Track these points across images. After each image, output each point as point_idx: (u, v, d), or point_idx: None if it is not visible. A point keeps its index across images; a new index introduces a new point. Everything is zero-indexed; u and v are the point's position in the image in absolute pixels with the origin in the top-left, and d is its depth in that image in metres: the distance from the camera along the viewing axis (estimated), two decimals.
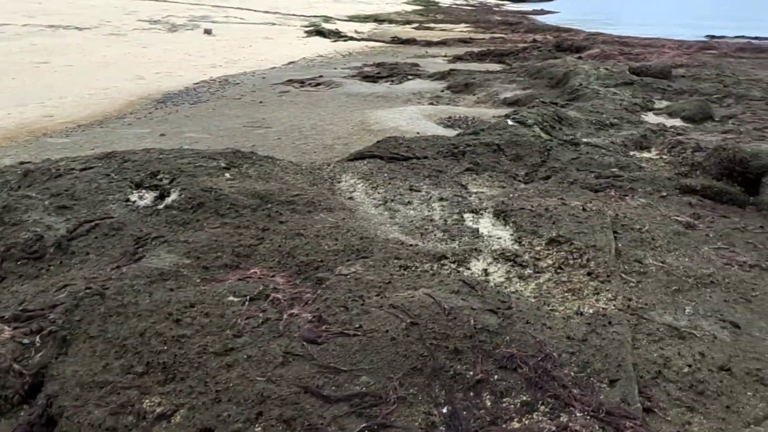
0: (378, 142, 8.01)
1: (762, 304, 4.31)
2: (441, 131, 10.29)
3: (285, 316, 4.09)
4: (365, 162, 7.21)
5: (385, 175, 6.70)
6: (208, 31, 23.20)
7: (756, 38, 25.60)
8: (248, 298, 4.27)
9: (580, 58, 17.23)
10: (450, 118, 11.48)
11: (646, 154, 7.81)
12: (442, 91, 14.43)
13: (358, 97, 14.36)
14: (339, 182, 6.52)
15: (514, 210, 5.59)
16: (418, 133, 10.09)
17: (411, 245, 5.11)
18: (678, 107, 10.10)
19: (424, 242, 5.23)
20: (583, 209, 5.45)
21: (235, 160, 6.67)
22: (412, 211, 5.84)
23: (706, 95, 10.98)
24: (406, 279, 4.45)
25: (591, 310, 4.17)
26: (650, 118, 9.94)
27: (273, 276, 4.69)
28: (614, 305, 4.22)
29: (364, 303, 4.10)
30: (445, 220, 5.60)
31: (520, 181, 6.77)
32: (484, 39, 26.51)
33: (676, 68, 14.01)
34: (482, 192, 6.42)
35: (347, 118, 11.71)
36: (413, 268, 4.64)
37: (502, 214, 5.62)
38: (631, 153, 7.81)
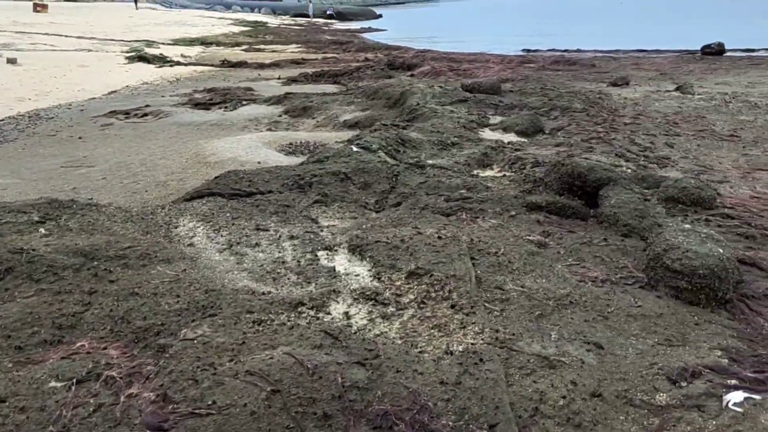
0: (216, 177, 7.46)
1: (618, 320, 4.36)
2: (283, 159, 9.88)
3: (122, 399, 3.50)
4: (204, 201, 6.64)
5: (228, 214, 6.18)
6: (12, 61, 20.92)
7: (566, 51, 27.83)
8: (75, 380, 3.63)
9: (412, 75, 17.62)
10: (291, 144, 11.11)
11: (489, 173, 7.93)
12: (280, 115, 14.01)
13: (190, 126, 13.54)
14: (176, 227, 5.91)
15: (370, 243, 5.33)
16: (259, 162, 9.60)
17: (263, 294, 4.67)
18: (511, 122, 10.48)
19: (277, 288, 4.81)
20: (439, 237, 5.31)
21: (51, 211, 5.83)
22: (261, 254, 5.39)
23: (534, 108, 11.54)
24: (262, 336, 4.01)
25: (460, 347, 3.98)
26: (487, 134, 10.22)
27: (105, 348, 4.04)
28: (482, 339, 4.07)
29: (216, 372, 3.60)
30: (299, 261, 5.21)
31: (371, 209, 6.55)
32: (316, 59, 26.43)
33: (504, 83, 14.69)
34: (334, 225, 6.11)
35: (180, 151, 10.94)
36: (268, 322, 4.21)
37: (357, 249, 5.34)
38: (476, 172, 7.90)
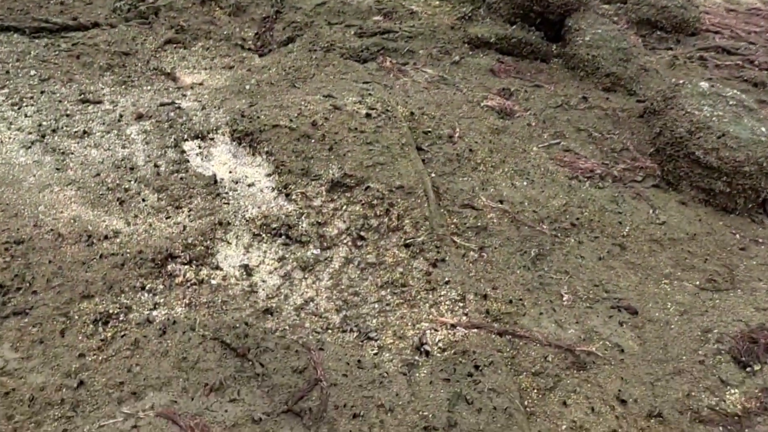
0: None
1: (640, 251, 3.13)
2: None
3: None
4: None
5: (32, 72, 4.00)
6: None
7: None
8: None
9: None
10: None
11: None
12: None
13: None
14: None
15: (265, 128, 3.53)
16: None
17: (107, 238, 2.90)
18: None
19: (129, 222, 3.03)
20: (368, 114, 3.59)
21: None
22: (94, 151, 3.45)
23: None
24: (110, 367, 2.37)
25: (438, 338, 2.58)
26: None
27: None
28: (467, 316, 2.67)
29: None
30: (156, 165, 3.37)
31: (251, 51, 4.56)
32: None
33: None
34: (201, 84, 4.14)
35: None
36: (121, 323, 2.54)
37: (246, 138, 3.54)
38: None
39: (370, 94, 3.86)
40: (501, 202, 3.20)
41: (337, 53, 4.45)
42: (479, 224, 3.08)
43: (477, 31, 4.58)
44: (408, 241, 2.99)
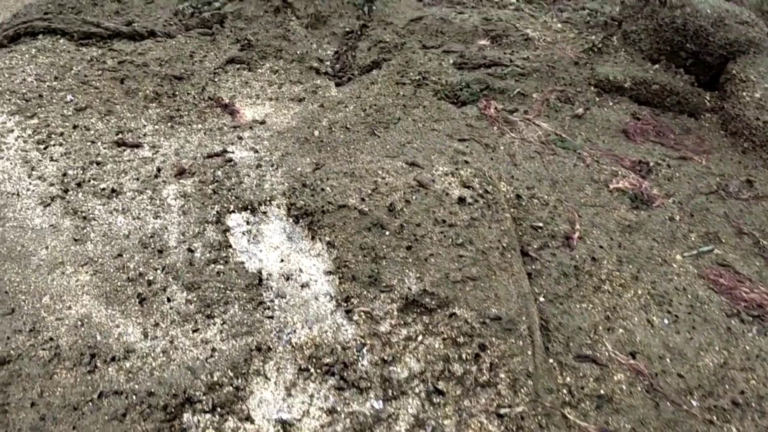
0: None
1: None
2: None
3: None
4: (32, 47, 3.73)
5: (70, 98, 3.37)
6: None
7: None
8: None
9: None
10: None
11: None
12: None
13: None
14: None
15: (330, 207, 2.78)
16: None
17: (115, 354, 2.27)
18: None
19: (146, 334, 2.39)
20: (460, 199, 2.77)
21: None
22: (121, 218, 2.81)
23: None
24: None
25: None
26: None
27: None
28: None
29: None
30: (191, 247, 2.68)
31: (328, 76, 3.78)
32: None
33: None
34: (263, 122, 3.42)
35: None
36: None
37: (306, 218, 2.80)
38: None
39: (466, 162, 3.03)
40: (633, 355, 2.35)
41: (430, 89, 3.61)
42: (602, 391, 2.25)
43: (608, 71, 3.62)
44: (502, 410, 2.20)
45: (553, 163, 3.17)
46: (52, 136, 3.14)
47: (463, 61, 3.77)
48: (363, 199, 2.79)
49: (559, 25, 4.01)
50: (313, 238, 2.76)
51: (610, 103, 3.57)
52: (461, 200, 2.78)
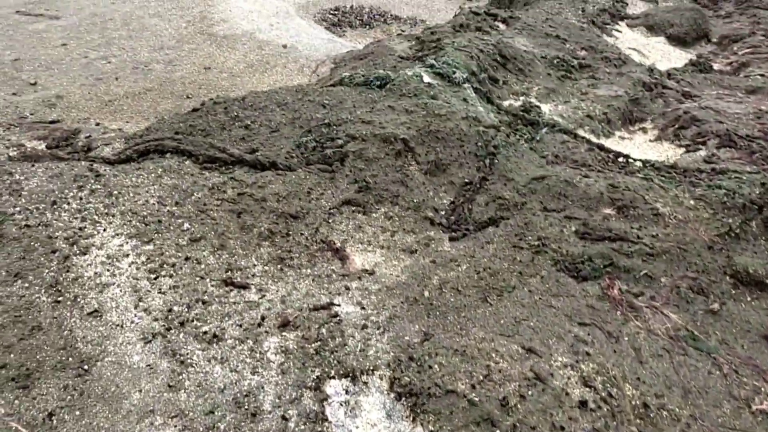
0: (196, 110, 4.55)
1: None
2: (319, 42, 6.75)
3: None
4: (158, 166, 3.83)
5: (187, 226, 3.39)
6: None
7: None
8: None
9: None
10: (337, 10, 7.85)
11: (640, 137, 4.82)
12: None
13: None
14: (86, 250, 3.17)
15: (437, 391, 2.57)
16: (284, 47, 6.54)
17: None
18: (661, 18, 6.98)
19: None
20: (582, 403, 2.51)
21: None
22: (218, 368, 2.70)
23: None
24: None
25: None
26: (624, 36, 6.78)
27: None
28: None
29: None
30: (285, 415, 2.52)
31: (442, 227, 3.67)
32: None
33: None
34: (372, 272, 3.30)
35: (183, 3, 7.80)
36: None
37: (409, 398, 2.59)
38: (617, 135, 4.78)
39: (587, 354, 2.77)
40: None
41: (549, 258, 3.41)
42: None
43: (747, 262, 3.33)
44: None
45: (685, 366, 2.86)
46: (164, 266, 3.13)
47: (587, 230, 3.57)
48: (473, 386, 2.56)
49: (692, 202, 3.78)
50: (414, 420, 2.54)
51: (749, 300, 3.25)
52: (582, 404, 2.51)
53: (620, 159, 4.35)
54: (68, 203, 3.47)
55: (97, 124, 5.26)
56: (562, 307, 3.09)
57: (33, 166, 3.83)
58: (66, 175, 3.73)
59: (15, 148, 4.60)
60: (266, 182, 3.71)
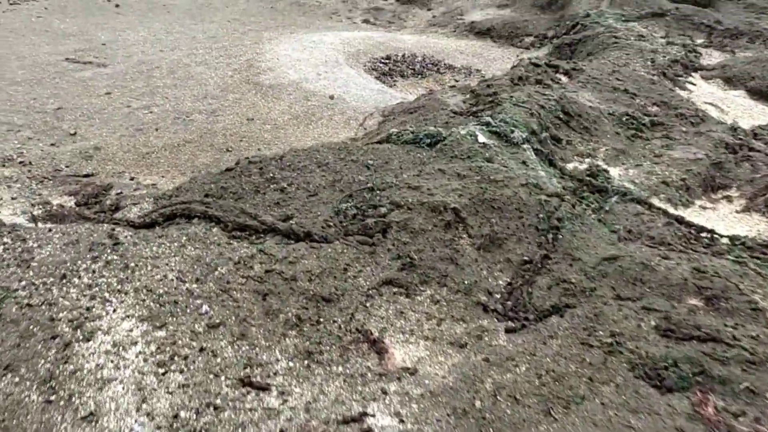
0: (230, 169, 4.21)
1: None
2: (369, 92, 6.42)
3: None
4: (182, 233, 3.47)
5: (206, 308, 2.99)
6: None
7: None
8: None
9: None
10: (389, 59, 7.55)
11: (724, 207, 4.25)
12: None
13: (263, 3, 10.02)
14: (91, 335, 2.80)
15: None
16: (331, 98, 6.23)
17: None
18: (740, 70, 6.42)
19: None
20: None
21: None
22: None
23: None
24: None
25: None
26: (699, 89, 6.22)
27: None
28: None
29: None
30: None
31: (497, 315, 3.17)
32: None
33: None
34: (414, 371, 2.82)
35: (231, 51, 7.62)
36: None
37: None
38: (698, 204, 4.23)
39: None
40: None
41: (625, 360, 2.87)
42: None
43: None
44: None
45: None
46: (176, 358, 2.72)
47: (669, 326, 3.02)
48: None
49: None
50: None
51: None
52: None
53: (704, 235, 3.78)
54: (79, 277, 3.13)
55: (132, 179, 5.00)
56: (644, 429, 2.54)
57: (50, 231, 3.52)
58: (82, 243, 3.40)
59: (41, 207, 4.34)
60: (298, 257, 3.30)
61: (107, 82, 6.71)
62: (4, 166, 5.13)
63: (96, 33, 8.25)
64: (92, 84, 6.65)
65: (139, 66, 7.15)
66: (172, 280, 3.15)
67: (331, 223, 3.62)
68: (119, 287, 3.08)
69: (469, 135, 4.16)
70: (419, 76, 7.32)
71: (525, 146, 4.20)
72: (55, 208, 4.31)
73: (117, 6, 9.22)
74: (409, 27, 8.89)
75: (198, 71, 7.01)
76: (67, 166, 5.17)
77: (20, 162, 5.18)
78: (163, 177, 5.07)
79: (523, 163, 4.06)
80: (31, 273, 3.11)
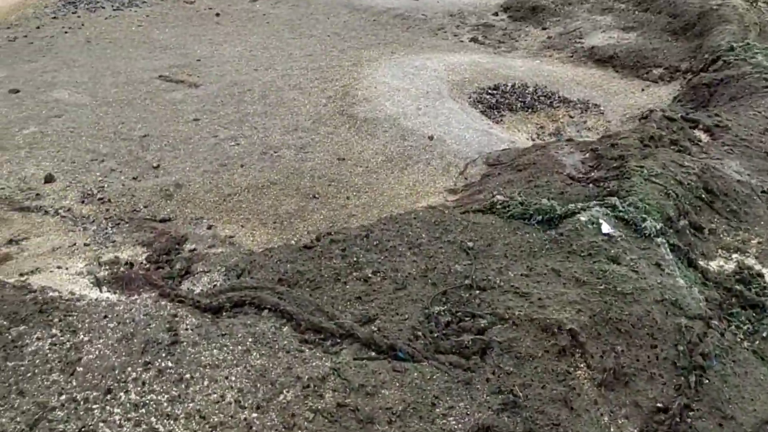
0: (308, 247, 3.71)
1: None
2: (473, 134, 5.78)
3: None
4: (243, 334, 3.00)
5: None
6: None
7: None
8: None
9: None
10: (497, 89, 6.87)
11: None
12: (496, 14, 9.42)
13: (365, 15, 9.52)
14: None
15: None
16: (430, 138, 5.65)
17: None
18: None
19: None
20: None
21: None
22: None
23: None
24: None
25: None
26: None
27: None
28: None
29: None
30: None
31: None
32: None
33: None
34: None
35: (327, 74, 7.16)
36: None
37: None
38: None
39: None
40: None
41: None
42: None
43: None
44: None
45: None
46: None
47: None
48: None
49: None
50: None
51: None
52: None
53: None
54: (126, 391, 2.72)
55: (209, 228, 4.63)
56: None
57: (105, 318, 3.14)
58: (137, 338, 2.99)
59: (108, 266, 4.01)
60: (378, 384, 2.75)
61: (197, 106, 6.40)
62: (83, 202, 4.89)
63: (193, 47, 8.01)
64: (182, 108, 6.36)
65: (231, 88, 6.81)
66: (230, 403, 2.68)
67: (420, 332, 3.04)
68: (169, 410, 2.64)
69: (591, 223, 3.46)
70: (529, 110, 6.60)
71: (659, 240, 3.46)
72: (122, 269, 3.96)
73: (217, 15, 8.99)
74: (520, 49, 8.12)
75: (291, 97, 6.59)
76: (145, 206, 4.86)
77: (99, 199, 4.92)
78: (242, 227, 4.66)
79: (657, 265, 3.33)
80: (74, 383, 2.72)
